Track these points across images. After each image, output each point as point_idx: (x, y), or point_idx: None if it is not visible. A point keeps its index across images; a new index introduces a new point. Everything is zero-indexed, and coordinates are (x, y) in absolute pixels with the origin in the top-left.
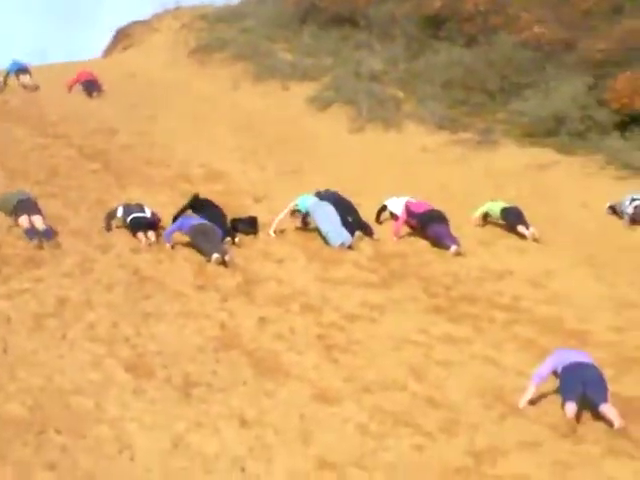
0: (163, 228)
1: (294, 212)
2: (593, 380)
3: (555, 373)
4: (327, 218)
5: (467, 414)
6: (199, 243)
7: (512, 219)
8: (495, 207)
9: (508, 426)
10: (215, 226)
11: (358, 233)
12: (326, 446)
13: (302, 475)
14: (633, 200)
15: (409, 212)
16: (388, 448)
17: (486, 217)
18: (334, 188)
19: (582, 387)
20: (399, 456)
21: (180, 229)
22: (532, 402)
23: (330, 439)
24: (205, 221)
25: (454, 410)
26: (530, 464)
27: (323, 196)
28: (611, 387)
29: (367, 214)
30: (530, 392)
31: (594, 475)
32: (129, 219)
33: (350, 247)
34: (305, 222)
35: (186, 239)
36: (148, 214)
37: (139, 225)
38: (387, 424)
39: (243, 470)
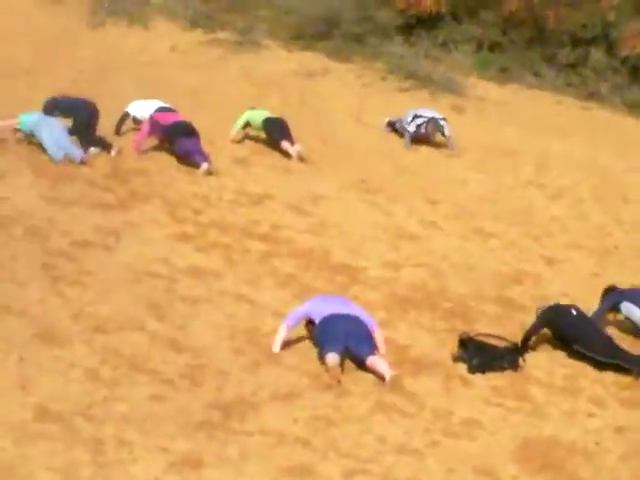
0: None
1: (17, 130)
2: (356, 333)
3: (311, 322)
4: (51, 133)
5: (214, 360)
6: None
7: (276, 133)
8: (257, 116)
9: (261, 375)
10: None
11: (94, 150)
12: (49, 394)
13: (19, 427)
14: (416, 117)
15: (154, 124)
16: (121, 397)
17: (246, 128)
18: (70, 91)
19: (344, 340)
20: (134, 407)
21: None
22: (290, 348)
23: (54, 386)
24: None
25: (199, 355)
26: (285, 419)
27: (59, 102)
28: (384, 333)
29: (105, 123)
30: (281, 335)
31: (359, 433)
32: None
33: (83, 163)
34: (29, 141)
35: None
36: None
37: None
38: (121, 369)
39: None
